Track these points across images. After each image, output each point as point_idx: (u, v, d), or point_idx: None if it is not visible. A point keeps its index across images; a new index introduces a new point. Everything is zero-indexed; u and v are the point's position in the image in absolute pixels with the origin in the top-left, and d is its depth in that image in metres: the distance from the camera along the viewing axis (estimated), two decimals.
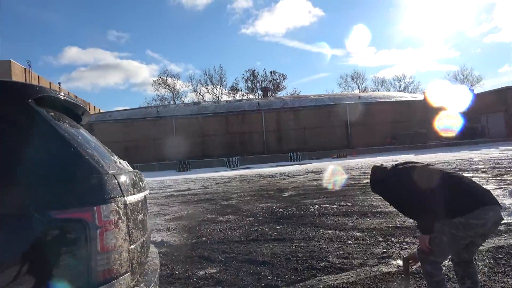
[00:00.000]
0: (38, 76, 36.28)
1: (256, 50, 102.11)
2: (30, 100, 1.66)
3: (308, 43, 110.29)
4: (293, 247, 4.68)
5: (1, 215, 1.39)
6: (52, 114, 1.81)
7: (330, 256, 4.17)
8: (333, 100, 37.06)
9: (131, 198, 1.76)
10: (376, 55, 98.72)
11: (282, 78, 64.82)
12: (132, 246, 1.71)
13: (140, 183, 2.15)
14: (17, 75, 32.04)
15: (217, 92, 62.79)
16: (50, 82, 39.08)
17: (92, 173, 1.60)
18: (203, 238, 5.65)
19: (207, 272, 4.04)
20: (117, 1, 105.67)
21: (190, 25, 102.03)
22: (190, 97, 65.09)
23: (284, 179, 15.03)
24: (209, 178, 18.11)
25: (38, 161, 1.54)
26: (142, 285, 1.72)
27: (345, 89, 66.80)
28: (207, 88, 63.28)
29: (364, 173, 14.38)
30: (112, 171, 1.73)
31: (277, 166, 24.69)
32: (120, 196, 1.66)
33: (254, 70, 65.98)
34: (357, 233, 5.10)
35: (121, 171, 1.89)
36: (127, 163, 2.46)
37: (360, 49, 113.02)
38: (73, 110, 2.20)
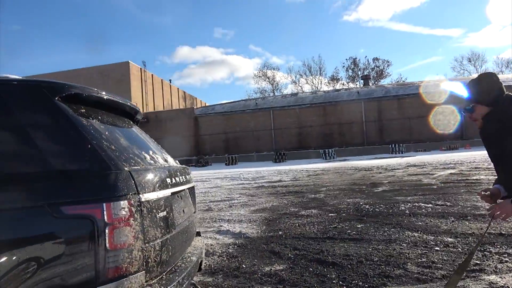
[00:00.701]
0: (152, 74, 40.15)
1: (359, 37, 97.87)
2: (56, 98, 1.73)
3: (417, 25, 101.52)
4: (370, 249, 4.28)
5: (16, 208, 1.46)
6: (83, 110, 1.87)
7: (409, 263, 3.69)
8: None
9: (149, 196, 1.72)
10: (501, 33, 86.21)
11: (386, 65, 61.08)
12: (148, 245, 1.67)
13: (177, 178, 2.12)
14: (134, 74, 35.92)
15: (316, 82, 61.96)
16: (162, 80, 42.96)
17: (104, 170, 1.59)
18: (280, 232, 5.55)
19: (273, 268, 3.92)
20: (223, 1, 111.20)
21: (290, 17, 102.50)
22: (289, 89, 65.47)
23: (380, 172, 14.10)
24: (302, 170, 17.96)
25: (52, 155, 1.59)
26: (156, 285, 1.67)
27: (460, 73, 59.89)
28: (306, 79, 62.92)
29: (476, 168, 12.68)
30: (132, 167, 1.71)
31: (375, 158, 23.37)
32: (134, 194, 1.63)
33: (356, 58, 63.17)
34: (449, 239, 4.45)
35: (148, 167, 1.87)
36: (173, 159, 2.46)
37: (480, 27, 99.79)
38: (117, 108, 2.25)
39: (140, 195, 1.65)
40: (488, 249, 3.92)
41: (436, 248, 4.11)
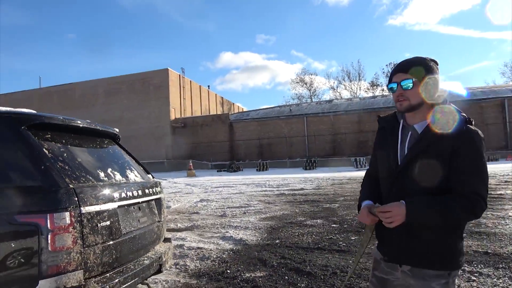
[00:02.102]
0: (190, 80, 41.48)
1: (404, 41, 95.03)
2: (23, 127, 2.15)
3: (467, 28, 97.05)
4: (350, 261, 4.44)
5: (10, 213, 1.89)
6: (49, 136, 2.28)
7: None
8: (488, 93, 31.93)
9: (90, 208, 2.09)
10: None
11: None
12: (87, 248, 2.04)
13: (130, 193, 2.48)
14: (173, 81, 37.31)
15: (355, 89, 61.01)
16: (200, 86, 44.25)
17: (52, 187, 1.99)
18: (277, 241, 5.80)
19: (253, 275, 4.20)
20: (266, 7, 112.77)
21: (334, 22, 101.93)
22: (327, 95, 64.92)
23: None
24: (329, 178, 17.93)
25: (13, 174, 2.01)
26: (94, 282, 2.03)
27: (511, 78, 56.51)
28: (344, 85, 62.10)
29: (506, 182, 12.12)
30: (78, 184, 2.09)
31: None
32: (76, 206, 2.00)
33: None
34: None
35: (94, 185, 2.23)
36: (144, 174, 2.83)
37: None
38: (92, 131, 2.66)
39: (81, 208, 2.03)
40: (463, 267, 3.96)
41: None
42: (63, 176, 2.06)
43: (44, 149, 2.13)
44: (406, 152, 1.62)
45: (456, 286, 1.72)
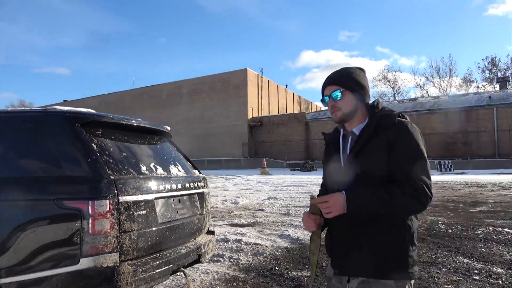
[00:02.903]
0: (268, 80, 42.12)
1: (507, 32, 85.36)
2: (76, 124, 2.47)
3: None
4: None
5: (32, 200, 2.23)
6: (99, 132, 2.58)
7: None
8: None
9: (127, 198, 2.33)
10: None
11: None
12: (123, 234, 2.28)
13: (169, 186, 2.70)
14: (251, 80, 38.24)
15: (444, 85, 56.40)
16: (277, 85, 44.71)
17: (96, 177, 2.26)
18: None
19: (299, 274, 4.22)
20: (348, 3, 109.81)
21: (424, 14, 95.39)
22: (412, 93, 60.98)
23: (493, 190, 12.51)
24: None
25: (64, 165, 2.32)
26: (127, 265, 2.26)
27: None
28: (432, 82, 57.77)
29: None
30: (119, 176, 2.35)
31: (501, 173, 20.46)
32: (114, 196, 2.25)
33: (495, 57, 55.48)
34: (499, 269, 4.06)
35: (134, 177, 2.46)
36: (185, 170, 3.05)
37: None
38: (141, 128, 2.93)
39: (119, 197, 2.28)
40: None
41: (475, 277, 3.84)
42: (106, 168, 2.33)
43: (93, 144, 2.43)
44: (348, 153, 1.64)
45: None
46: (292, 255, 5.09)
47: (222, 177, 22.73)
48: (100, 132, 2.60)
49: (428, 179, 1.49)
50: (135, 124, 2.90)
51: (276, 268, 4.50)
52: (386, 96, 59.02)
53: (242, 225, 7.49)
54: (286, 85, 49.25)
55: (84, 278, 2.15)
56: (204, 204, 3.26)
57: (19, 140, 2.55)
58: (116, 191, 2.27)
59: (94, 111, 2.89)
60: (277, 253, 5.21)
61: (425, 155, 1.53)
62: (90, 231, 2.16)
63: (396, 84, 60.04)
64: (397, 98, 55.87)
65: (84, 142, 2.40)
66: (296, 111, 45.87)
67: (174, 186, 2.80)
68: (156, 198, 2.58)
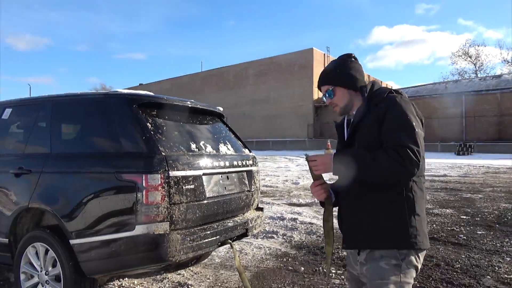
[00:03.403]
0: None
1: None
2: (134, 105, 2.72)
3: None
4: (463, 256, 4.02)
5: (97, 173, 2.54)
6: (154, 113, 2.82)
7: (489, 276, 3.40)
8: None
9: (177, 173, 2.54)
10: None
11: None
12: (173, 205, 2.50)
13: (218, 163, 2.88)
14: (317, 60, 37.45)
15: None
16: None
17: (150, 153, 2.50)
18: None
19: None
20: None
21: None
22: (498, 69, 55.11)
23: None
24: (483, 166, 15.62)
25: (123, 142, 2.59)
26: (176, 233, 2.49)
27: None
28: None
29: None
30: (170, 153, 2.57)
31: None
32: (165, 170, 2.48)
33: None
34: None
35: (183, 154, 2.66)
36: (235, 149, 3.23)
37: None
38: (184, 108, 3.11)
39: (170, 172, 2.49)
40: None
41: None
42: (159, 146, 2.56)
43: (148, 123, 2.67)
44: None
45: (412, 275, 1.58)
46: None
47: (286, 158, 22.89)
48: (155, 112, 2.83)
49: (415, 145, 1.48)
50: (188, 105, 3.10)
51: None
52: (467, 74, 54.20)
53: (299, 205, 7.59)
54: None
55: (139, 243, 2.42)
56: (253, 181, 3.40)
57: (87, 120, 2.89)
58: (167, 166, 2.49)
59: (152, 93, 3.14)
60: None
61: (412, 123, 1.53)
62: (144, 202, 2.41)
63: (479, 60, 54.70)
64: (479, 75, 51.03)
65: (141, 122, 2.65)
66: None
67: (222, 164, 2.97)
68: (204, 174, 2.77)
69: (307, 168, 1.74)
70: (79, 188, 2.62)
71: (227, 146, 3.25)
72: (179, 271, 3.79)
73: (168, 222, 2.48)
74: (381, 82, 53.65)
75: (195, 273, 3.77)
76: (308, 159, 1.69)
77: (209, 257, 4.18)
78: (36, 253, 2.75)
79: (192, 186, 2.64)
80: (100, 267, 2.55)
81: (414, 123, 1.53)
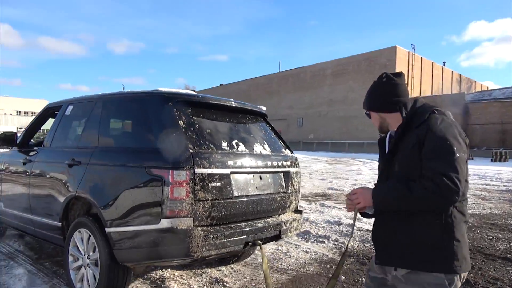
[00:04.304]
0: (421, 58, 38.30)
1: None
2: (169, 103, 2.81)
3: None
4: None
5: (131, 166, 2.67)
6: (189, 110, 2.89)
7: None
8: None
9: (203, 170, 2.57)
10: None
11: None
12: (198, 202, 2.53)
13: (248, 163, 2.87)
14: (401, 59, 35.41)
15: None
16: (432, 63, 40.27)
17: (178, 150, 2.56)
18: None
19: None
20: None
21: None
22: None
23: None
24: None
25: (155, 138, 2.69)
26: (200, 230, 2.52)
27: None
28: None
29: None
30: (197, 151, 2.61)
31: None
32: (190, 167, 2.52)
33: None
34: None
35: (211, 152, 2.67)
36: (273, 149, 3.19)
37: None
38: (220, 107, 3.13)
39: (196, 169, 2.53)
40: None
41: None
42: (188, 143, 2.61)
43: (180, 121, 2.73)
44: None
45: None
46: None
47: (360, 161, 22.02)
48: (190, 110, 2.90)
49: (454, 173, 1.46)
50: (225, 104, 3.12)
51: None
52: None
53: None
54: (444, 63, 43.85)
55: (163, 236, 2.50)
56: (290, 183, 3.31)
57: (129, 116, 3.07)
58: (193, 164, 2.53)
59: (193, 92, 3.22)
60: None
61: (454, 148, 1.51)
62: (169, 197, 2.48)
63: None
64: None
65: (173, 119, 2.73)
66: (454, 91, 40.60)
67: (254, 163, 2.93)
68: (233, 173, 2.76)
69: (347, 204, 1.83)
70: (115, 180, 2.79)
71: (263, 146, 3.21)
72: (219, 267, 3.85)
73: (192, 218, 2.52)
74: (475, 82, 48.85)
75: (234, 271, 3.79)
76: (348, 194, 1.79)
77: (253, 256, 4.18)
78: (82, 238, 2.99)
79: (218, 184, 2.65)
80: (130, 256, 2.68)
81: (455, 148, 1.51)
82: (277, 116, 44.47)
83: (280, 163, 3.21)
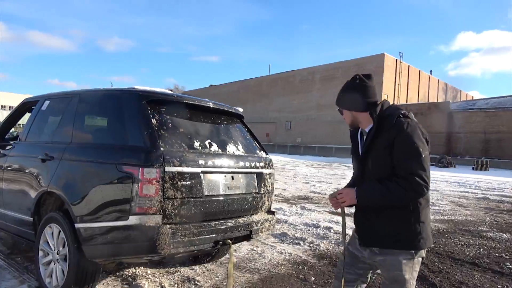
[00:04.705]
0: (409, 66, 38.85)
1: None
2: (143, 102, 2.84)
3: None
4: (499, 286, 3.57)
5: (102, 163, 2.69)
6: (163, 109, 2.92)
7: None
8: None
9: (172, 169, 2.60)
10: None
11: None
12: (167, 200, 2.57)
13: (220, 163, 2.91)
14: (389, 66, 35.88)
15: None
16: (420, 71, 40.89)
17: (149, 148, 2.59)
18: (431, 245, 5.15)
19: None
20: None
21: None
22: None
23: None
24: None
25: (128, 136, 2.72)
26: (168, 227, 2.55)
27: None
28: None
29: None
30: (168, 149, 2.64)
31: None
32: (160, 165, 2.55)
33: None
34: None
35: (180, 151, 2.71)
36: (247, 150, 3.23)
37: None
38: (193, 106, 3.15)
39: (165, 167, 2.57)
40: None
41: None
42: (159, 141, 2.64)
43: (153, 119, 2.76)
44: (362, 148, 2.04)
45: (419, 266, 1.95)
46: None
47: (345, 165, 22.22)
48: (164, 109, 2.93)
49: (423, 171, 1.77)
50: (199, 104, 3.16)
51: None
52: None
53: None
54: (431, 71, 44.58)
55: (132, 233, 2.53)
56: (263, 184, 3.36)
57: (104, 113, 3.10)
58: (163, 162, 2.57)
59: (168, 91, 3.26)
60: None
61: (420, 149, 1.78)
62: (139, 194, 2.51)
63: None
64: None
65: (146, 117, 2.76)
66: (440, 100, 41.27)
67: (225, 163, 2.98)
68: (204, 172, 2.80)
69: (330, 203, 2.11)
70: (85, 176, 2.81)
71: (237, 147, 3.25)
72: (193, 267, 3.87)
73: (161, 216, 2.55)
74: (460, 92, 49.76)
75: (207, 270, 3.82)
76: (335, 194, 2.02)
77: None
78: (52, 233, 3.00)
79: (188, 183, 2.69)
80: (99, 252, 2.70)
81: (421, 149, 1.78)
82: (266, 119, 44.57)
83: (253, 164, 3.27)
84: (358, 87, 1.97)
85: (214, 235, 2.80)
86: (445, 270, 4.04)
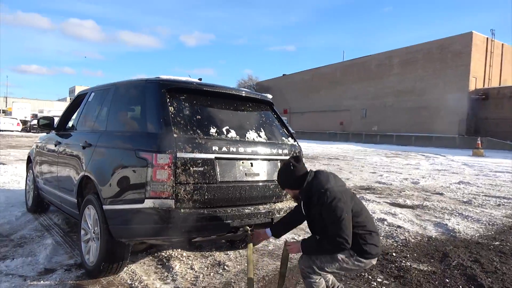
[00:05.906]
0: (502, 44, 34.64)
1: None
2: (163, 90, 2.94)
3: None
4: None
5: (125, 149, 2.85)
6: (183, 97, 2.99)
7: None
8: None
9: (185, 154, 2.67)
10: None
11: None
12: (179, 185, 2.64)
13: (236, 149, 2.91)
14: (478, 45, 32.34)
15: None
16: None
17: (163, 134, 2.69)
18: (497, 242, 4.61)
19: (413, 266, 3.69)
20: None
21: None
22: None
23: None
24: None
25: (145, 123, 2.84)
26: (180, 211, 2.63)
27: None
28: None
29: None
30: (182, 135, 2.71)
31: None
32: (172, 151, 2.63)
33: None
34: None
35: (195, 137, 2.76)
36: (270, 137, 3.20)
37: None
38: (213, 93, 3.17)
39: (177, 153, 2.64)
40: None
41: None
42: (174, 128, 2.72)
43: (171, 107, 2.85)
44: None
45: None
46: (428, 246, 4.44)
47: (423, 155, 20.72)
48: (184, 97, 3.00)
49: (343, 233, 2.35)
50: (219, 91, 3.17)
51: (394, 254, 4.06)
52: None
53: (402, 206, 6.88)
54: None
55: (146, 216, 2.65)
56: None
57: (132, 102, 3.28)
58: (175, 148, 2.64)
59: (193, 80, 3.32)
60: (413, 240, 4.64)
61: (341, 215, 2.36)
62: (153, 178, 2.62)
63: None
64: None
65: (163, 104, 2.85)
66: None
67: (243, 150, 2.96)
68: (217, 158, 2.82)
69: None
70: (111, 162, 3.00)
71: (259, 134, 3.21)
72: (228, 252, 3.95)
73: (173, 200, 2.64)
74: None
75: (241, 256, 3.87)
76: (286, 244, 2.69)
77: (265, 243, 4.22)
78: (90, 214, 3.27)
79: (201, 169, 2.73)
80: (122, 232, 2.88)
81: (342, 213, 2.36)
82: (340, 106, 43.28)
83: (277, 151, 3.20)
84: (292, 170, 2.59)
85: (229, 221, 2.82)
86: (502, 271, 3.57)
